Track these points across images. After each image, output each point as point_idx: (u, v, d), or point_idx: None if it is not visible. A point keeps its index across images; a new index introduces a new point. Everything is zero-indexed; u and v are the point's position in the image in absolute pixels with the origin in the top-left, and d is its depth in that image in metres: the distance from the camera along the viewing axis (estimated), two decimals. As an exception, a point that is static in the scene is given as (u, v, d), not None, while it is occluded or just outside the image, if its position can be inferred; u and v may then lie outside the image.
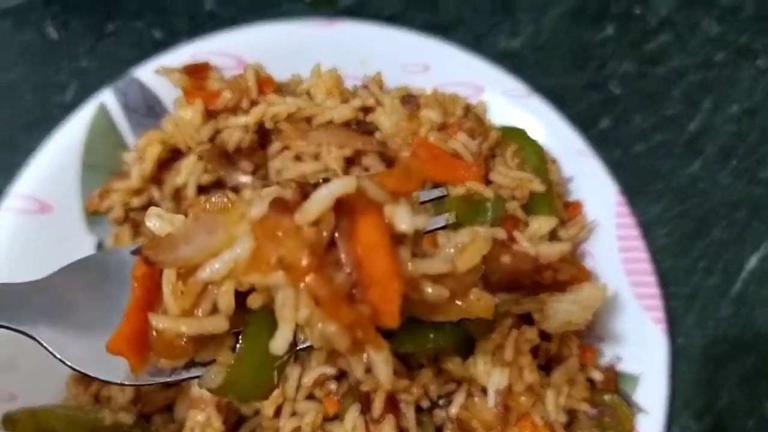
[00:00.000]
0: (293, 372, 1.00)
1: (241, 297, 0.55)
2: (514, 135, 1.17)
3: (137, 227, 1.15)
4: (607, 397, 1.09)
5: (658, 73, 1.43)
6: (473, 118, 1.17)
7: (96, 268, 0.67)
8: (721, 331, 1.24)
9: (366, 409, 0.97)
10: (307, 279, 0.51)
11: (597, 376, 1.09)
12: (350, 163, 1.11)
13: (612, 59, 1.43)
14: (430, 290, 0.58)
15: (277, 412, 1.00)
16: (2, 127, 1.29)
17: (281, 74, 1.22)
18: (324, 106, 1.13)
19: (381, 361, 0.55)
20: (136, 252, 0.57)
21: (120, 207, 1.13)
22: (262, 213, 0.53)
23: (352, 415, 0.97)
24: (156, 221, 0.59)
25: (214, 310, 0.56)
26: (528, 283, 1.07)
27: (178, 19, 1.41)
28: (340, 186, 0.52)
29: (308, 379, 0.99)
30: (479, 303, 0.64)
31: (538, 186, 1.11)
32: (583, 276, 1.11)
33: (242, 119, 1.11)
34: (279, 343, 0.53)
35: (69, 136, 1.17)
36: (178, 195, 1.13)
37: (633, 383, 1.11)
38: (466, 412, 0.99)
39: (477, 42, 1.39)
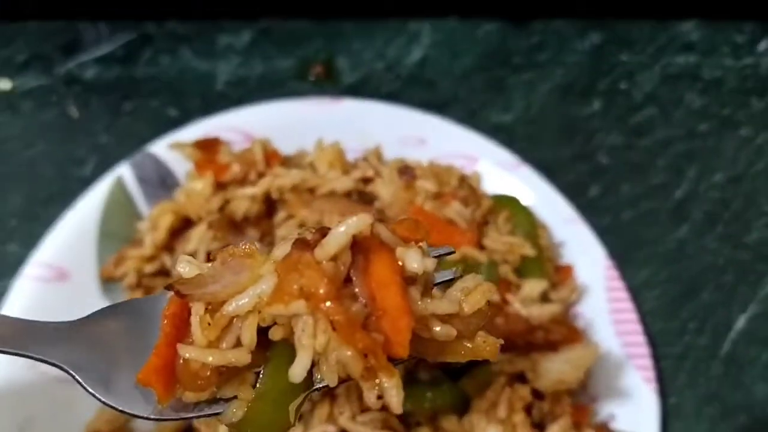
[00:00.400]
0: (297, 430, 1.04)
1: (263, 335, 0.60)
2: (505, 202, 1.23)
3: (150, 293, 1.21)
4: (601, 455, 1.12)
5: (644, 144, 1.51)
6: (467, 187, 1.24)
7: (128, 311, 0.71)
8: (713, 390, 1.27)
9: (366, 466, 1.01)
10: (326, 306, 0.56)
11: (591, 434, 1.13)
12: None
13: (599, 132, 1.52)
14: (438, 329, 0.62)
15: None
16: (24, 200, 1.37)
17: (287, 148, 1.30)
18: (326, 178, 1.21)
19: (392, 387, 0.59)
20: (169, 287, 0.61)
21: (133, 273, 1.19)
22: (286, 252, 0.58)
23: (353, 472, 1.00)
24: (186, 266, 0.63)
25: (238, 343, 0.60)
26: (521, 343, 1.12)
27: (191, 99, 1.50)
28: (357, 224, 0.58)
29: (311, 437, 1.03)
30: (485, 344, 0.67)
31: (528, 250, 1.17)
32: (575, 336, 1.16)
33: (250, 190, 1.19)
34: (298, 371, 0.57)
35: (87, 207, 1.24)
36: (188, 262, 1.19)
37: (627, 441, 1.14)
38: (463, 468, 1.03)
39: (471, 117, 1.48)
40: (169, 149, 1.28)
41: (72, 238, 1.22)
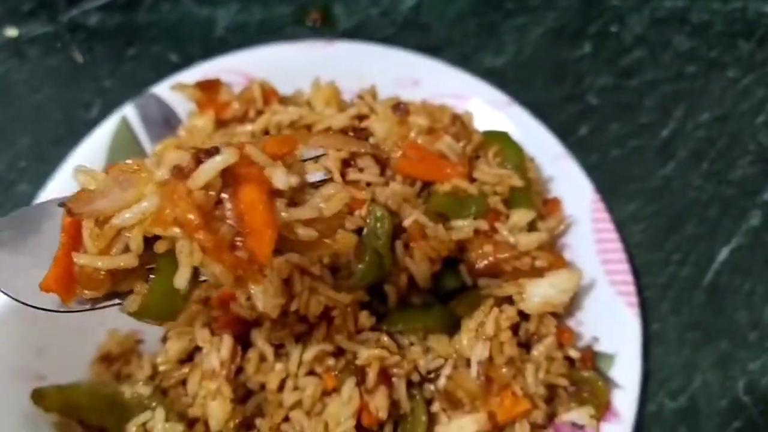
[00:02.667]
0: (295, 350, 1.09)
1: (149, 240, 0.70)
2: (496, 138, 1.27)
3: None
4: (585, 374, 1.16)
5: (632, 85, 1.53)
6: (459, 124, 1.27)
7: (32, 218, 0.78)
8: (695, 318, 1.31)
9: (361, 381, 1.06)
10: (197, 234, 0.66)
11: (574, 354, 1.17)
12: (346, 165, 1.22)
13: (589, 74, 1.54)
14: (302, 231, 0.73)
15: (281, 387, 1.09)
16: (33, 142, 1.42)
17: (285, 89, 1.34)
18: (323, 115, 1.24)
19: (259, 292, 0.70)
20: (61, 205, 0.70)
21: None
22: (164, 177, 0.68)
23: (349, 386, 1.05)
24: (81, 177, 0.72)
25: (126, 249, 0.70)
26: (509, 269, 1.17)
27: (191, 44, 1.53)
28: (223, 159, 0.67)
29: (308, 355, 1.07)
30: (342, 240, 0.79)
31: (517, 181, 1.21)
32: (561, 264, 1.20)
33: (249, 126, 1.22)
34: (180, 281, 0.69)
35: (94, 146, 1.28)
36: (190, 195, 1.24)
37: (609, 361, 1.18)
38: (452, 383, 1.08)
39: (464, 61, 1.51)
40: (171, 90, 1.32)
41: (80, 175, 1.27)
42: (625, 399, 1.15)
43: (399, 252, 1.16)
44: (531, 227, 1.21)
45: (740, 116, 1.50)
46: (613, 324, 1.21)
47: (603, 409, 1.14)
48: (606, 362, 1.19)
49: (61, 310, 0.74)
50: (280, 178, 0.69)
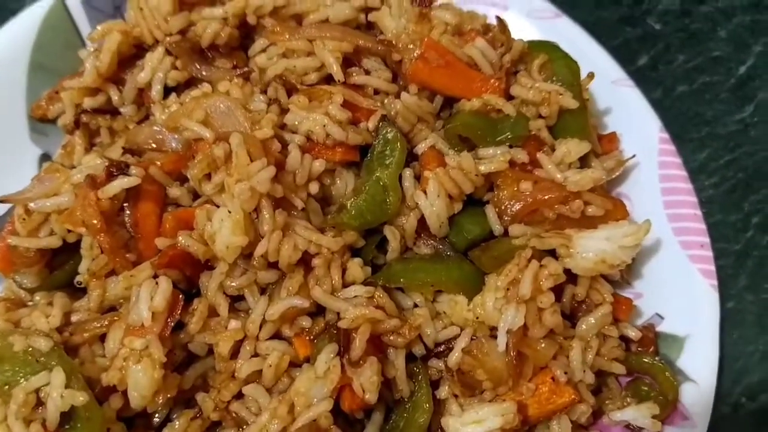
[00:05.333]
0: (258, 304, 0.78)
1: None
2: (542, 48, 0.95)
3: (92, 136, 0.95)
4: (646, 360, 0.86)
5: (703, 11, 1.23)
6: (496, 29, 0.95)
7: None
8: (780, 297, 1.01)
9: (344, 350, 0.75)
10: (98, 237, 0.80)
11: (633, 333, 0.87)
12: (349, 64, 0.90)
13: (652, -7, 1.23)
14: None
15: (235, 353, 0.78)
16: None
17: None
18: (318, 2, 0.93)
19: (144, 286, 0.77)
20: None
21: (71, 110, 0.93)
22: (79, 180, 0.82)
23: (327, 355, 0.74)
24: None
25: (52, 233, 0.85)
26: (552, 216, 0.85)
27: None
28: (129, 181, 0.80)
29: (274, 311, 0.76)
30: None
31: (569, 101, 0.89)
32: (622, 213, 0.89)
33: (219, 10, 0.91)
34: (82, 269, 0.84)
35: (18, 29, 0.98)
36: (140, 97, 0.93)
37: (677, 347, 0.88)
38: (469, 360, 0.77)
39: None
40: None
41: (-6, 66, 0.96)
42: (698, 397, 0.85)
43: (408, 184, 0.85)
44: (584, 164, 0.90)
45: (837, 59, 1.19)
46: (683, 298, 0.91)
47: (669, 409, 0.84)
48: (673, 347, 0.89)
49: None
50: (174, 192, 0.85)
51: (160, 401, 0.74)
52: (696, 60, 1.18)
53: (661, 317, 0.91)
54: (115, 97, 0.93)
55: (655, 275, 0.93)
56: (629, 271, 0.93)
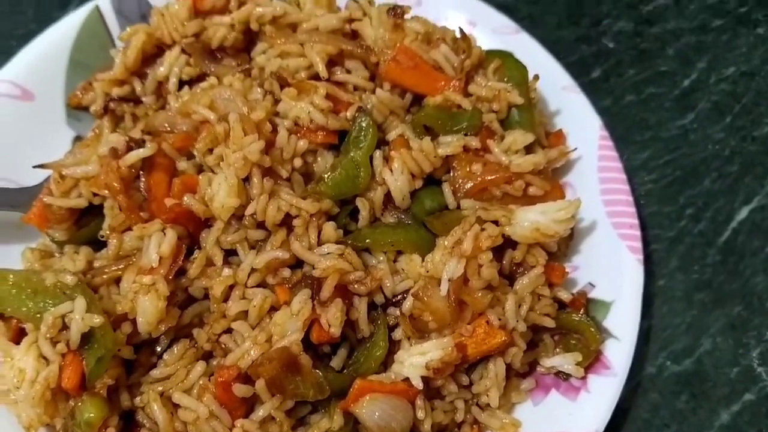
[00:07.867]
0: (247, 257, 0.92)
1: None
2: (497, 55, 1.09)
3: (117, 121, 1.10)
4: (575, 317, 0.97)
5: (653, 32, 1.35)
6: (459, 39, 1.10)
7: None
8: (707, 277, 1.12)
9: (316, 294, 0.88)
10: (118, 197, 0.94)
11: (565, 296, 0.99)
12: (333, 65, 1.05)
13: (607, 17, 1.36)
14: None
15: (227, 297, 0.92)
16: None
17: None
18: (311, 14, 1.08)
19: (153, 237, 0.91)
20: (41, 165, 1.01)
21: (101, 98, 1.08)
22: (104, 152, 0.96)
23: (301, 297, 0.88)
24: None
25: (81, 196, 0.98)
26: (499, 194, 0.98)
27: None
28: (145, 151, 0.95)
29: (260, 261, 0.90)
30: None
31: (516, 98, 1.03)
32: (558, 194, 1.02)
33: (228, 17, 1.07)
34: (104, 227, 0.97)
35: (60, 32, 1.13)
36: (159, 89, 1.08)
37: (604, 309, 1.00)
38: (418, 304, 0.89)
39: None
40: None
41: (40, 58, 1.11)
42: (620, 351, 0.96)
43: (378, 163, 0.98)
44: (528, 152, 1.03)
45: (769, 74, 1.31)
46: (611, 269, 1.02)
47: (592, 358, 0.95)
48: (601, 310, 1.00)
49: None
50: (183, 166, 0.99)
51: (162, 329, 0.88)
52: (644, 73, 1.30)
53: (593, 285, 1.02)
54: (138, 88, 1.08)
55: (590, 250, 1.05)
56: (568, 247, 1.06)
